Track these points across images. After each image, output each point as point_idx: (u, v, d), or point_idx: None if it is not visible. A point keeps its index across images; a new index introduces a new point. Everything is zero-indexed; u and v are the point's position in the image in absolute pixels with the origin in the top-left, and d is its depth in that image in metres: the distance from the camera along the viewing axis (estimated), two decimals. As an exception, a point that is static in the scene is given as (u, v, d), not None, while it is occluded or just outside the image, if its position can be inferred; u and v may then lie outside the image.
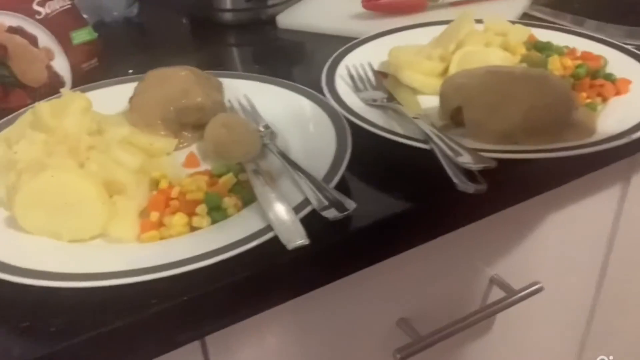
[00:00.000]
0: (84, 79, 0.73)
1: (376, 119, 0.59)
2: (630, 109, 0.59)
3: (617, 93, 0.62)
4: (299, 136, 0.58)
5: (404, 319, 0.63)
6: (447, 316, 0.62)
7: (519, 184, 0.56)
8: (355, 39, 0.76)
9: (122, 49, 0.89)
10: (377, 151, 0.57)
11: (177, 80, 0.59)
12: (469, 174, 0.49)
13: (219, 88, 0.63)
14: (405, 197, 0.51)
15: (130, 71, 0.75)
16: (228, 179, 0.51)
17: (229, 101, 0.64)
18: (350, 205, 0.45)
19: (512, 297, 0.65)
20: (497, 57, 0.66)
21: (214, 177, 0.52)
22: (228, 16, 0.94)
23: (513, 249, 0.68)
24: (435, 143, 0.52)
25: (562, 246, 0.72)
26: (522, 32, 0.71)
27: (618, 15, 0.83)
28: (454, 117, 0.58)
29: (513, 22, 0.75)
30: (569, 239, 0.72)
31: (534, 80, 0.56)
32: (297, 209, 0.46)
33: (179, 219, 0.47)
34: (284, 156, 0.54)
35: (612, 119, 0.59)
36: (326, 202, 0.46)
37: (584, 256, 0.77)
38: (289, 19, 0.90)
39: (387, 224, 0.49)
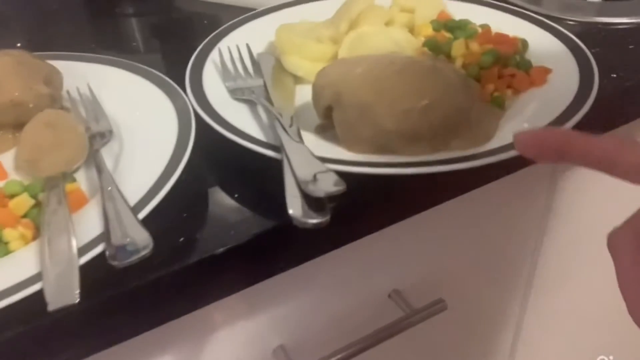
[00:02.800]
0: None
1: (232, 115, 0.48)
2: (542, 105, 0.49)
3: (532, 84, 0.52)
4: (140, 136, 0.48)
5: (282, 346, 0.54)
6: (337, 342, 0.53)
7: (386, 204, 0.46)
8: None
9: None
10: (227, 157, 0.48)
11: (-10, 70, 0.48)
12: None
13: (52, 77, 0.51)
14: (238, 225, 0.41)
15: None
16: (20, 201, 0.40)
17: (68, 92, 0.53)
18: (143, 247, 0.35)
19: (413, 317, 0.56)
20: (395, 40, 0.55)
21: (5, 197, 0.41)
22: (122, -17, 0.82)
23: (412, 261, 0.59)
24: (285, 153, 0.42)
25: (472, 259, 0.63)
26: (433, 8, 0.60)
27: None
28: (328, 117, 0.47)
29: (430, -5, 0.64)
30: (482, 250, 0.63)
31: (418, 74, 0.45)
32: (85, 248, 0.36)
33: (-61, 257, 0.37)
34: (100, 168, 0.43)
35: (520, 117, 0.48)
36: (119, 242, 0.35)
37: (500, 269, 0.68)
38: (187, -13, 0.79)
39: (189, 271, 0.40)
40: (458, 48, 0.53)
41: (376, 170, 0.41)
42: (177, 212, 0.43)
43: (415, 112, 0.43)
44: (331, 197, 0.38)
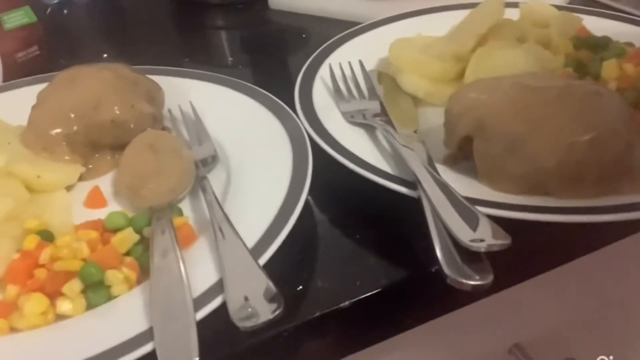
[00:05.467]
0: (18, 71, 0.59)
1: (351, 142, 0.43)
2: None
3: (702, 115, 0.44)
4: (249, 163, 0.43)
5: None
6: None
7: (542, 254, 0.39)
8: (359, 24, 0.60)
9: (79, 34, 0.76)
10: (345, 191, 0.42)
11: (89, 85, 0.44)
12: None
13: (154, 95, 0.47)
14: (363, 273, 0.36)
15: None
16: (125, 237, 0.36)
17: (170, 111, 0.49)
18: (277, 307, 0.29)
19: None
20: (532, 59, 0.48)
21: (107, 231, 0.37)
22: (214, -6, 0.79)
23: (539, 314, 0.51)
24: (424, 192, 0.36)
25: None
26: (570, 23, 0.53)
27: None
28: (463, 147, 0.41)
29: (559, 8, 0.57)
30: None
31: (579, 102, 0.38)
32: (201, 300, 0.31)
33: (36, 303, 0.32)
34: (210, 201, 0.38)
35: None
36: (242, 300, 0.30)
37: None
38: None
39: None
40: (610, 70, 0.46)
41: (536, 216, 0.35)
42: (292, 256, 0.37)
43: (581, 147, 0.36)
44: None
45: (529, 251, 0.38)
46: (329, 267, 0.37)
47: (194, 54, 0.70)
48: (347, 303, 0.35)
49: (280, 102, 0.47)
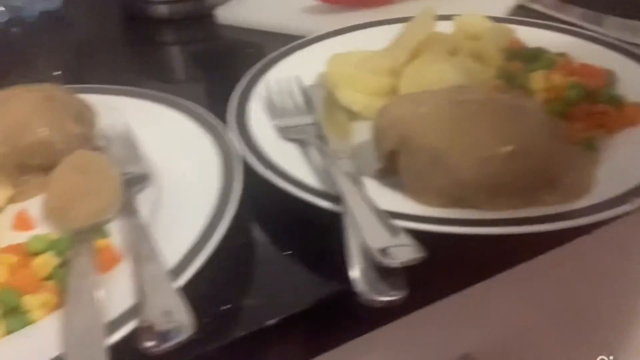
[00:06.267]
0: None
1: (282, 158, 0.43)
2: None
3: (627, 123, 0.45)
4: (180, 182, 0.43)
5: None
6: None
7: (466, 268, 0.39)
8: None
9: (28, 53, 0.75)
10: (277, 207, 0.42)
11: (18, 107, 0.44)
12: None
13: (84, 115, 0.47)
14: (293, 290, 0.36)
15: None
16: (44, 260, 0.35)
17: (103, 130, 0.49)
18: (182, 329, 0.29)
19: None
20: (463, 72, 0.49)
21: (29, 254, 0.36)
22: (162, 9, 0.78)
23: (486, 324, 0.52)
24: (346, 206, 0.36)
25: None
26: (502, 35, 0.54)
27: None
28: (391, 161, 0.41)
29: (497, 19, 0.58)
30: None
31: (499, 113, 0.39)
32: (114, 324, 0.30)
33: (-52, 330, 0.32)
34: (134, 221, 0.38)
35: (618, 163, 0.41)
36: (154, 321, 0.30)
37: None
38: (230, 14, 0.74)
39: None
40: (538, 81, 0.47)
41: (456, 229, 0.35)
42: (220, 274, 0.37)
43: (497, 160, 0.37)
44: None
45: (457, 264, 0.39)
46: (258, 284, 0.37)
47: (141, 70, 0.70)
48: (273, 321, 0.35)
49: (213, 119, 0.47)
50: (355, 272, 0.31)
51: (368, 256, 0.32)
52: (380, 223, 0.34)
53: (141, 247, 0.36)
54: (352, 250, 0.33)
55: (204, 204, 0.39)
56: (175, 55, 0.75)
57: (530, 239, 0.37)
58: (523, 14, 0.68)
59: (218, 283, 0.37)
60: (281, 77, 0.53)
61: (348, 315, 0.36)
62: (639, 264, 0.62)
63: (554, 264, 0.49)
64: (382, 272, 0.31)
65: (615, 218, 0.36)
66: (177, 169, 0.44)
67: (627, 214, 0.36)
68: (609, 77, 0.49)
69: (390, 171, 0.42)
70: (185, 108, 0.49)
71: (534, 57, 0.51)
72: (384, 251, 0.31)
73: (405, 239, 0.32)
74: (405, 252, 0.31)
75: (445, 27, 0.56)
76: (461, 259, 0.38)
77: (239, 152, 0.43)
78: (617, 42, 0.54)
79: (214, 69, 0.68)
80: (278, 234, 0.41)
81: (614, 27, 0.63)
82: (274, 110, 0.49)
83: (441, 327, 0.48)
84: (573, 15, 0.67)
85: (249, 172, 0.42)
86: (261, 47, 0.70)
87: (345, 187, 0.38)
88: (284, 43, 0.61)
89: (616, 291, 0.65)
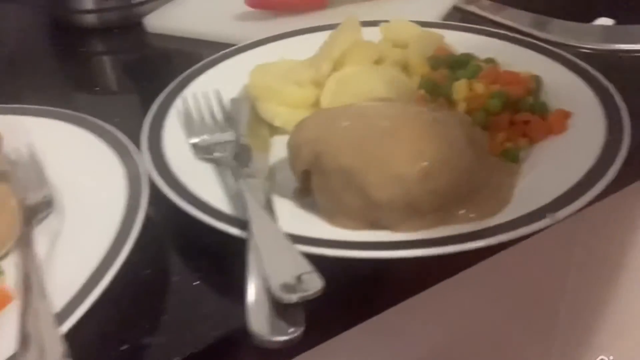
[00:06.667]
0: None
1: (194, 180, 0.40)
2: (565, 158, 0.41)
3: (550, 132, 0.44)
4: (84, 209, 0.40)
5: None
6: None
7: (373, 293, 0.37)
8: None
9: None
10: (188, 234, 0.40)
11: None
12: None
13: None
14: (198, 325, 0.33)
15: None
16: None
17: (8, 155, 0.46)
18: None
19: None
20: (386, 83, 0.47)
21: None
22: (90, 19, 0.75)
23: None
24: (252, 233, 0.34)
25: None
26: (430, 42, 0.52)
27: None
28: (306, 182, 0.39)
29: (427, 25, 0.56)
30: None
31: (414, 129, 0.37)
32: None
33: None
34: (27, 254, 0.35)
35: (539, 175, 0.40)
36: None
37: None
38: (160, 22, 0.71)
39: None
40: (460, 90, 0.45)
41: (364, 253, 0.33)
42: (120, 309, 0.35)
43: (411, 179, 0.35)
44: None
45: (373, 286, 0.37)
46: (162, 319, 0.35)
47: (68, 82, 0.67)
48: (175, 360, 0.32)
49: (124, 138, 0.44)
50: (250, 308, 0.29)
51: (268, 289, 0.30)
52: (284, 252, 0.32)
53: (31, 285, 0.33)
54: (251, 282, 0.31)
55: (104, 234, 0.36)
56: (104, 66, 0.72)
57: (447, 257, 0.35)
58: (458, 17, 0.67)
59: (116, 320, 0.34)
60: (200, 91, 0.51)
61: (251, 354, 0.34)
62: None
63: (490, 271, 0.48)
64: (282, 308, 0.29)
65: (533, 233, 0.35)
66: (82, 193, 0.41)
67: (545, 228, 0.35)
68: (535, 83, 0.48)
69: (307, 191, 0.40)
70: (95, 127, 0.46)
71: (460, 64, 0.50)
72: (284, 285, 0.29)
73: (307, 271, 0.30)
74: (306, 286, 0.29)
75: (373, 34, 0.54)
76: (374, 285, 0.36)
77: (146, 174, 0.41)
78: (547, 47, 0.53)
79: (142, 79, 0.65)
80: (187, 263, 0.39)
81: (558, 30, 0.62)
82: (190, 127, 0.47)
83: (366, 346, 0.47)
84: (513, 18, 0.66)
85: (160, 195, 0.39)
86: (192, 56, 0.67)
87: (253, 212, 0.35)
88: (215, 51, 0.58)
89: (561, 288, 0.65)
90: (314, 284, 0.29)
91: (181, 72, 0.54)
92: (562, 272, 0.63)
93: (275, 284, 0.29)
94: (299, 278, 0.30)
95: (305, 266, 0.31)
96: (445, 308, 0.51)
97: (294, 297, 0.29)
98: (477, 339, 0.60)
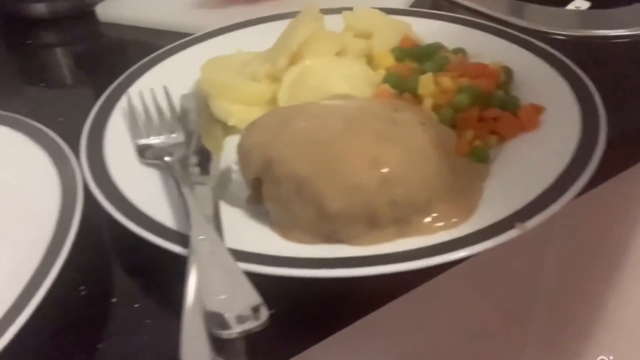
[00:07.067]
0: None
1: (136, 188, 0.37)
2: (537, 157, 0.38)
3: (521, 129, 0.41)
4: (15, 224, 0.37)
5: None
6: None
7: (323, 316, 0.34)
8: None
9: None
10: (129, 251, 0.36)
11: None
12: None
13: None
14: (139, 355, 0.30)
15: None
16: None
17: None
18: None
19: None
20: (347, 78, 0.44)
21: None
22: (39, 8, 0.70)
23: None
24: (191, 251, 0.31)
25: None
26: (394, 31, 0.49)
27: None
28: (258, 191, 0.36)
29: (393, 12, 0.53)
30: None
31: (372, 131, 0.34)
32: None
33: None
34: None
35: (508, 176, 0.37)
36: None
37: None
38: (112, 10, 0.67)
39: None
40: (426, 85, 0.42)
41: (312, 272, 0.30)
42: (50, 336, 0.31)
43: (368, 188, 0.32)
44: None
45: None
46: (100, 349, 0.32)
47: (16, 75, 0.63)
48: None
49: (60, 142, 0.41)
50: (185, 341, 0.26)
51: (205, 320, 0.27)
52: (226, 277, 0.29)
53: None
54: (188, 309, 0.28)
55: (32, 250, 0.33)
56: (52, 59, 0.68)
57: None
58: (429, 4, 0.64)
59: (46, 351, 0.31)
60: (148, 87, 0.47)
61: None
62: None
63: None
64: (219, 341, 0.26)
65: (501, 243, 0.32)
66: (9, 203, 0.38)
67: (513, 239, 0.32)
68: (505, 75, 0.45)
69: (260, 200, 0.37)
70: (29, 128, 0.42)
71: (427, 55, 0.47)
72: (223, 318, 0.26)
73: (251, 301, 0.27)
74: (248, 318, 0.26)
75: (336, 22, 0.51)
76: (322, 308, 0.33)
77: (82, 182, 0.37)
78: (519, 34, 0.50)
79: (93, 73, 0.61)
80: (128, 281, 0.35)
81: (533, 16, 0.59)
82: (136, 128, 0.43)
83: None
84: (487, 4, 0.63)
85: (99, 204, 0.36)
86: (147, 47, 0.62)
87: (195, 227, 0.32)
88: (173, 41, 0.55)
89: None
90: (258, 316, 0.26)
91: (131, 65, 0.50)
92: (538, 266, 0.61)
93: (213, 316, 0.26)
94: (241, 309, 0.26)
95: (250, 294, 0.27)
96: (417, 311, 0.48)
97: (233, 333, 0.25)
98: (454, 339, 0.57)
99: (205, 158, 0.41)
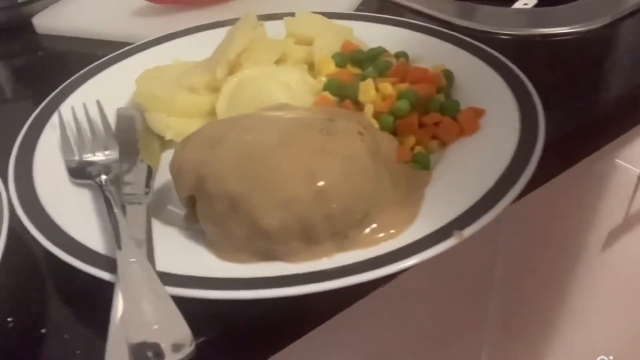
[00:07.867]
0: None
1: (66, 211, 0.35)
2: (476, 161, 0.38)
3: (461, 133, 0.40)
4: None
5: None
6: None
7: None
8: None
9: None
10: (60, 277, 0.35)
11: None
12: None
13: None
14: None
15: None
16: None
17: None
18: None
19: None
20: (287, 86, 0.43)
21: None
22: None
23: None
24: (118, 277, 0.29)
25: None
26: (335, 36, 0.48)
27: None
28: (193, 210, 0.35)
29: (335, 16, 0.52)
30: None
31: (307, 143, 0.33)
32: None
33: None
34: None
35: (448, 183, 0.37)
36: None
37: None
38: (51, 21, 0.65)
39: None
40: (366, 92, 0.41)
41: (241, 294, 0.29)
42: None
43: (303, 203, 0.31)
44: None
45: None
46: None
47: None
48: None
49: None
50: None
51: (129, 350, 0.26)
52: (152, 306, 0.27)
53: None
54: (112, 338, 0.26)
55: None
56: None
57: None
58: (375, 6, 0.63)
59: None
60: (81, 102, 0.45)
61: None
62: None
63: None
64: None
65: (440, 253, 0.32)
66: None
67: (452, 247, 0.32)
68: (446, 79, 0.44)
69: (196, 219, 0.36)
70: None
71: (368, 60, 0.46)
72: (144, 346, 0.25)
73: (178, 334, 0.26)
74: (174, 350, 0.25)
75: (278, 29, 0.50)
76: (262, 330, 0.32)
77: (7, 204, 0.35)
78: (460, 36, 0.49)
79: (30, 87, 0.59)
80: (58, 310, 0.34)
81: (479, 17, 0.59)
82: (67, 146, 0.41)
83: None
84: (435, 6, 0.62)
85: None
86: (87, 58, 0.60)
87: (123, 250, 0.31)
88: (112, 51, 0.53)
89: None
90: (183, 349, 0.25)
91: (68, 78, 0.49)
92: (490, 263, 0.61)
93: (137, 347, 0.25)
94: (168, 338, 0.25)
95: (177, 323, 0.26)
96: (369, 316, 0.48)
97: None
98: (412, 342, 0.57)
99: (145, 174, 0.40)
